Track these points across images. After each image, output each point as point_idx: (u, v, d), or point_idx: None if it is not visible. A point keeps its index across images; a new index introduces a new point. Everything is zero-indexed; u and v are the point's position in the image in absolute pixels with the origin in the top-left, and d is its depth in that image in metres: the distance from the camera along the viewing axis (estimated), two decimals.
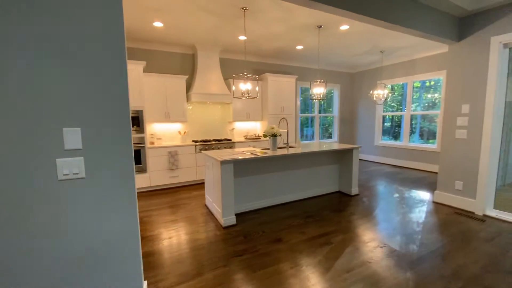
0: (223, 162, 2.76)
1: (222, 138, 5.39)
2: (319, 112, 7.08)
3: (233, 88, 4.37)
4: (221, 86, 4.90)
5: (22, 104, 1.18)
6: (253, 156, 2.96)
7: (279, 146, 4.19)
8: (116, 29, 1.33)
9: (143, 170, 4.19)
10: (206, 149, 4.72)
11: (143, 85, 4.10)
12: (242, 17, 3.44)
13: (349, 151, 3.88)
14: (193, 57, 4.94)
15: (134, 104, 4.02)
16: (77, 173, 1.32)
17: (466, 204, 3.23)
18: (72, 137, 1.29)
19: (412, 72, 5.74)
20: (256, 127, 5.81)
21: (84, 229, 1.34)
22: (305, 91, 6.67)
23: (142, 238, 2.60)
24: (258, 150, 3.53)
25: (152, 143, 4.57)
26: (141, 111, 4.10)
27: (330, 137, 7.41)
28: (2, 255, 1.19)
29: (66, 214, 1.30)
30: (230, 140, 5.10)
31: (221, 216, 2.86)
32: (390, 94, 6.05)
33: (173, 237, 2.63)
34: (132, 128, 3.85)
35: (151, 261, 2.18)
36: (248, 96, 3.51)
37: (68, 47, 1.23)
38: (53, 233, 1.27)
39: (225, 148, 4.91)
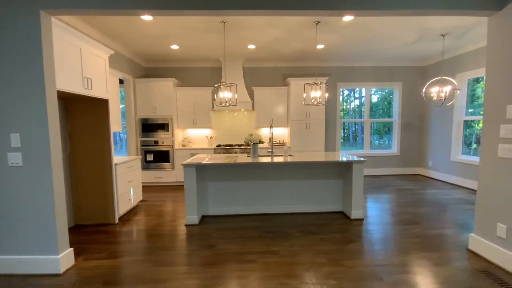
0: (185, 165, 3.05)
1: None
2: (374, 116, 5.98)
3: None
4: (243, 94, 5.16)
5: None
6: (217, 162, 3.07)
7: (276, 154, 3.98)
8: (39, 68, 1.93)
9: (171, 168, 5.06)
10: (223, 153, 5.10)
11: (173, 98, 4.98)
12: (230, 30, 3.61)
13: (350, 165, 3.20)
14: (221, 70, 5.47)
15: (164, 113, 4.96)
16: (18, 163, 2.02)
17: (509, 260, 2.01)
18: (15, 139, 2.00)
19: None
20: (285, 133, 5.65)
21: (19, 198, 2.02)
22: (348, 94, 5.84)
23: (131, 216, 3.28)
24: (236, 157, 3.56)
25: (184, 145, 5.42)
26: (171, 119, 4.99)
27: (388, 147, 6.07)
28: None
29: (11, 187, 2.01)
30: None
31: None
32: (457, 92, 4.33)
33: (142, 224, 3.15)
34: (162, 133, 4.78)
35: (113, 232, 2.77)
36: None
37: (14, 80, 1.94)
38: (5, 197, 2.02)
39: (242, 153, 5.11)
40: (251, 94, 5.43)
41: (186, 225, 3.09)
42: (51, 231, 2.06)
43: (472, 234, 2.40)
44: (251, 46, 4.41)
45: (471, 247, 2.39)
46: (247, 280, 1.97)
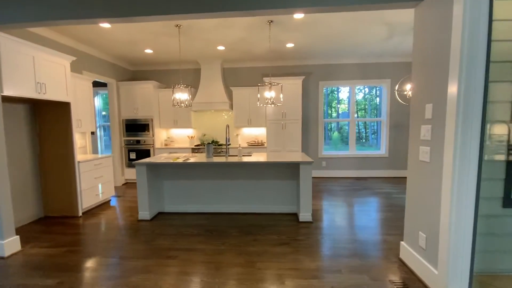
0: (136, 164, 3.22)
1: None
2: (360, 115, 5.72)
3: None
4: (220, 95, 5.24)
5: None
6: (166, 161, 3.20)
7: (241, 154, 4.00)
8: None
9: None
10: (201, 152, 5.23)
11: (154, 99, 5.22)
12: (188, 33, 3.71)
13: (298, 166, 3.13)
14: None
15: (145, 114, 5.21)
16: None
17: (428, 274, 1.86)
18: None
19: None
20: (264, 133, 5.63)
21: None
22: (332, 92, 5.64)
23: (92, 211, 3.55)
24: (189, 156, 3.65)
25: (167, 144, 5.65)
26: (151, 119, 5.23)
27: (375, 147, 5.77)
28: None
29: None
30: (229, 144, 5.32)
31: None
32: None
33: (102, 217, 3.38)
34: (143, 133, 5.03)
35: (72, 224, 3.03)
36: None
37: None
38: None
39: (218, 152, 5.20)
40: (231, 95, 5.49)
41: (139, 221, 3.27)
42: None
43: (402, 242, 2.24)
44: (221, 48, 4.47)
45: (401, 255, 2.24)
46: (153, 275, 2.06)
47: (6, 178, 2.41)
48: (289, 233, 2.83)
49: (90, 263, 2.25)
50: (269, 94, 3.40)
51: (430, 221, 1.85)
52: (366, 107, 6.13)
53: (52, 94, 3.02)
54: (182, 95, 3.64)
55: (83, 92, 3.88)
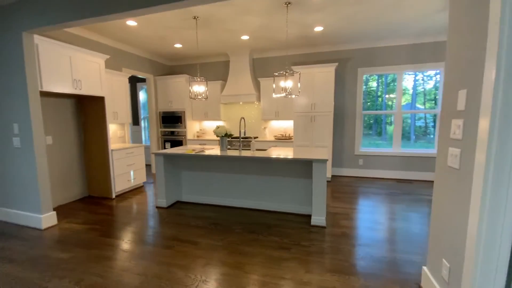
0: (155, 154, 3.40)
1: (254, 136, 5.57)
2: (408, 107, 4.85)
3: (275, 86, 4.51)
4: (248, 86, 5.14)
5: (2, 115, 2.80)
6: (180, 152, 3.29)
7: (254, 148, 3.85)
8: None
9: None
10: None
11: (186, 92, 5.45)
12: (208, 24, 3.66)
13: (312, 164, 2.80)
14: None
15: (178, 107, 5.49)
16: (17, 145, 2.80)
17: None
18: (16, 127, 2.77)
19: None
20: (292, 126, 5.31)
21: (19, 170, 2.82)
22: (368, 81, 4.89)
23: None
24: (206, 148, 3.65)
25: (198, 136, 5.88)
26: (184, 112, 5.49)
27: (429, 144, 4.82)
28: (1, 175, 2.93)
29: (15, 162, 2.83)
30: (256, 138, 5.21)
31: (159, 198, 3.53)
32: None
33: (130, 201, 3.73)
34: (177, 125, 5.37)
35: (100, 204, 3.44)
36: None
37: (11, 85, 2.70)
38: (12, 170, 2.86)
39: (244, 145, 5.14)
40: (259, 86, 5.32)
41: (157, 207, 3.48)
42: (36, 196, 2.79)
43: (424, 267, 1.78)
44: (245, 37, 4.32)
45: (423, 284, 1.78)
46: (144, 261, 2.14)
47: (45, 164, 2.84)
48: (294, 236, 2.59)
49: (99, 242, 2.49)
50: (285, 83, 3.11)
51: (455, 247, 1.39)
52: (434, 96, 5.11)
53: (88, 89, 3.40)
54: (199, 88, 3.66)
55: (119, 87, 4.29)
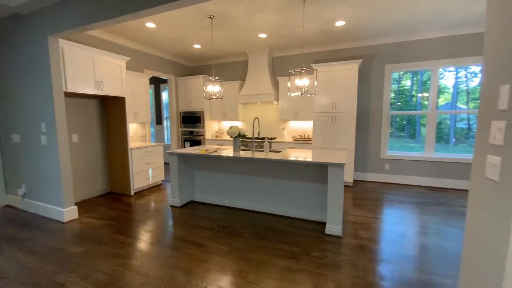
0: (170, 154, 3.43)
1: (271, 136, 5.42)
2: (447, 107, 4.35)
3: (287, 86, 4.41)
4: (266, 86, 5.02)
5: (28, 115, 3.02)
6: (193, 152, 3.28)
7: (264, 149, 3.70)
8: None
9: None
10: (242, 145, 5.19)
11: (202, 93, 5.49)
12: (224, 23, 3.61)
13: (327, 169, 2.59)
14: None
15: (197, 107, 5.55)
16: (45, 142, 3.00)
17: None
18: (43, 126, 2.97)
19: None
20: (312, 127, 5.06)
21: (45, 166, 3.01)
22: (400, 79, 4.45)
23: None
24: (219, 149, 3.59)
25: (217, 136, 5.89)
26: (202, 112, 5.54)
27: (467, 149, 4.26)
28: (31, 170, 3.17)
29: (42, 157, 3.03)
30: (273, 138, 5.07)
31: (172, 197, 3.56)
32: None
33: (148, 199, 3.82)
34: (196, 124, 5.45)
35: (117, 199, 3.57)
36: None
37: (37, 87, 2.90)
38: (39, 165, 3.07)
39: (262, 147, 5.02)
40: (278, 86, 5.18)
41: (171, 206, 3.51)
42: (59, 191, 2.96)
43: None
44: (262, 35, 4.21)
45: None
46: (149, 261, 2.13)
47: (68, 161, 3.00)
48: (305, 245, 2.41)
49: (111, 239, 2.55)
50: (301, 82, 2.93)
51: (490, 278, 1.13)
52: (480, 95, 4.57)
53: (109, 90, 3.55)
54: (213, 87, 3.63)
55: (140, 88, 4.44)
